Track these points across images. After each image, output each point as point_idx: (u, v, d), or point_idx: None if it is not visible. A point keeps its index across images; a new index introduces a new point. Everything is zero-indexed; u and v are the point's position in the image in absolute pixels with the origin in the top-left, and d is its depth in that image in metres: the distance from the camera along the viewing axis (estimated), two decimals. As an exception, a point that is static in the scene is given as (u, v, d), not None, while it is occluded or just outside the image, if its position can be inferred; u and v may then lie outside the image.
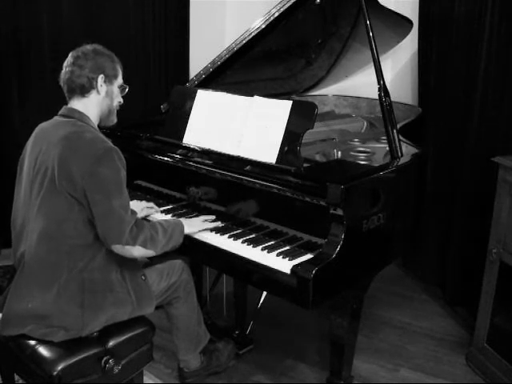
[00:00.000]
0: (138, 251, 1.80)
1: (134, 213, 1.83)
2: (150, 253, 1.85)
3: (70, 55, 1.89)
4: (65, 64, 1.89)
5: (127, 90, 1.99)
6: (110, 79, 1.91)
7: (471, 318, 2.75)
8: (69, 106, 1.90)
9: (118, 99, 1.97)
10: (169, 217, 2.27)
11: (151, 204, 2.35)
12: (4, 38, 3.33)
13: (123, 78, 1.98)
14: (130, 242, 1.76)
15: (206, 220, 2.14)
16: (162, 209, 2.34)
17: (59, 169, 1.73)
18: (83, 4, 3.59)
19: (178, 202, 2.38)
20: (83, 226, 1.77)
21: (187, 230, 2.02)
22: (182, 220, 2.07)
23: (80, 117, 1.86)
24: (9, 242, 1.95)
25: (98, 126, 1.94)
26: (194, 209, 2.31)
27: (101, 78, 1.87)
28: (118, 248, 1.76)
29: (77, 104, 1.88)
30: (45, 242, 1.77)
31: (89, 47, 1.89)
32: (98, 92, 1.88)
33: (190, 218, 2.20)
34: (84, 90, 1.86)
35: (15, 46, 3.38)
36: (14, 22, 3.34)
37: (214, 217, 2.17)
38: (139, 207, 2.30)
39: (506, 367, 2.31)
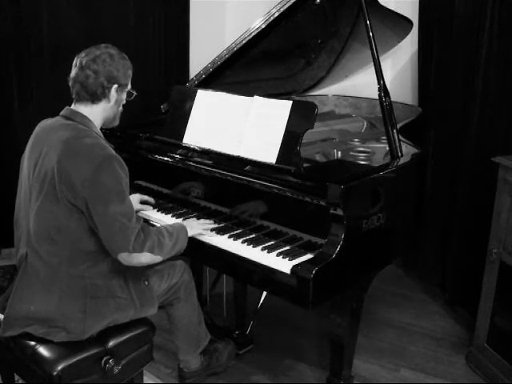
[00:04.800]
0: (145, 258, 1.77)
1: (138, 219, 1.79)
2: (158, 258, 1.82)
3: (84, 56, 1.80)
4: (77, 63, 1.80)
5: (134, 95, 1.95)
6: (122, 88, 1.87)
7: (471, 317, 2.75)
8: (72, 107, 1.85)
9: (123, 103, 1.93)
10: (169, 216, 2.27)
11: (146, 197, 2.35)
12: (4, 38, 3.33)
13: (134, 84, 1.94)
14: (137, 249, 1.73)
15: (206, 223, 2.14)
16: (159, 208, 2.35)
17: (59, 175, 1.69)
18: (83, 3, 3.59)
19: (177, 202, 2.38)
20: (84, 233, 1.74)
21: (190, 233, 2.00)
22: (182, 222, 2.07)
23: (82, 120, 1.80)
24: (9, 241, 1.95)
25: (100, 129, 1.90)
26: (194, 209, 2.31)
27: (114, 89, 1.83)
28: (124, 257, 1.72)
29: (82, 108, 1.83)
30: (46, 245, 1.76)
31: (104, 50, 1.81)
32: (108, 100, 1.84)
33: (190, 219, 2.19)
34: (95, 98, 1.81)
35: (15, 46, 3.38)
36: (14, 22, 3.33)
37: (212, 221, 2.17)
38: (133, 200, 2.30)
39: (506, 367, 2.31)
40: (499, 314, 2.38)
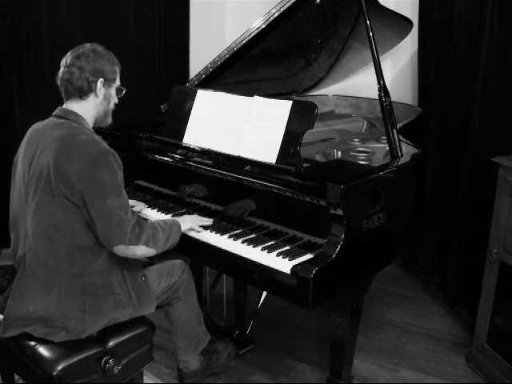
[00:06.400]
0: (140, 250, 1.80)
1: (134, 213, 1.83)
2: (152, 251, 1.85)
3: (69, 54, 1.86)
4: (63, 63, 1.86)
5: (124, 92, 1.98)
6: (108, 83, 1.89)
7: (471, 317, 2.75)
8: (64, 106, 1.88)
9: (114, 101, 1.95)
10: (168, 216, 2.27)
11: (134, 201, 2.36)
12: (4, 38, 3.33)
13: (121, 79, 1.96)
14: (134, 242, 1.76)
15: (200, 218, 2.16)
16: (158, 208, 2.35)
17: (55, 172, 1.71)
18: (83, 4, 3.59)
19: (177, 202, 2.38)
20: (81, 229, 1.76)
21: (183, 228, 2.03)
22: (178, 218, 2.09)
23: (75, 118, 1.84)
24: (9, 242, 1.95)
25: (93, 127, 1.92)
26: (193, 209, 2.31)
27: (100, 82, 1.86)
28: (120, 249, 1.75)
29: (74, 105, 1.86)
30: (44, 244, 1.77)
31: (89, 47, 1.86)
32: (96, 95, 1.87)
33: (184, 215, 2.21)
34: (82, 93, 1.84)
35: (15, 46, 3.38)
36: (13, 23, 3.33)
37: (211, 220, 2.17)
38: None
39: (506, 367, 2.31)
40: (499, 314, 2.38)
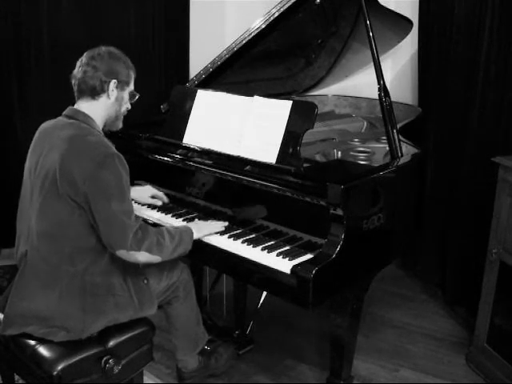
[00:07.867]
0: (142, 256, 1.78)
1: (137, 218, 1.81)
2: (156, 258, 1.83)
3: (84, 55, 1.86)
4: (78, 63, 1.86)
5: (137, 97, 1.98)
6: (122, 85, 1.89)
7: (471, 317, 2.75)
8: (75, 106, 1.87)
9: (126, 105, 1.95)
10: (168, 216, 2.27)
11: (159, 194, 2.33)
12: (4, 39, 3.33)
13: (134, 84, 1.96)
14: (135, 247, 1.75)
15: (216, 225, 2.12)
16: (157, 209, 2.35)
17: (61, 172, 1.71)
18: (83, 4, 3.59)
19: (177, 202, 2.38)
20: (85, 230, 1.75)
21: (196, 235, 2.00)
22: (190, 224, 2.08)
23: (84, 119, 1.83)
24: (9, 241, 1.95)
25: (102, 129, 1.91)
26: (194, 209, 2.31)
27: (113, 83, 1.85)
28: (122, 253, 1.75)
29: (84, 105, 1.86)
30: (47, 243, 1.77)
31: (105, 49, 1.86)
32: (108, 96, 1.86)
33: (196, 220, 2.19)
34: (94, 93, 1.84)
35: (15, 47, 3.38)
36: (14, 23, 3.33)
37: (226, 223, 2.14)
38: (147, 193, 2.31)
39: (506, 367, 2.31)
40: (499, 314, 2.38)
